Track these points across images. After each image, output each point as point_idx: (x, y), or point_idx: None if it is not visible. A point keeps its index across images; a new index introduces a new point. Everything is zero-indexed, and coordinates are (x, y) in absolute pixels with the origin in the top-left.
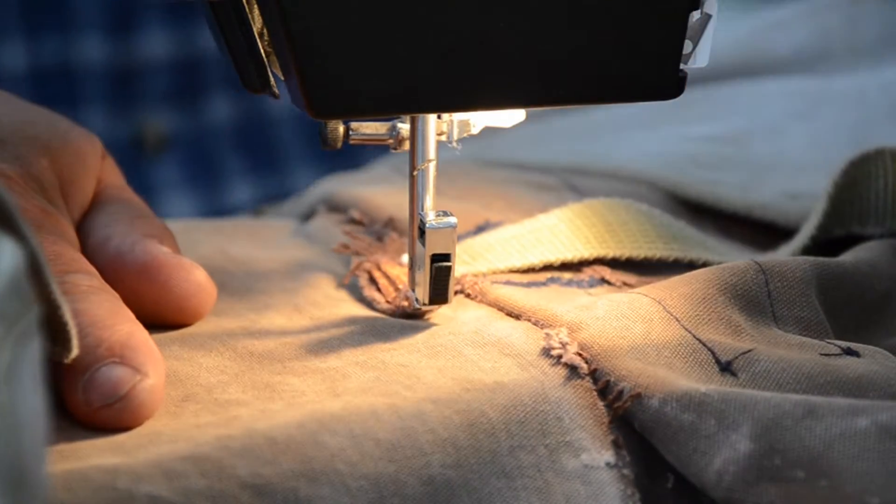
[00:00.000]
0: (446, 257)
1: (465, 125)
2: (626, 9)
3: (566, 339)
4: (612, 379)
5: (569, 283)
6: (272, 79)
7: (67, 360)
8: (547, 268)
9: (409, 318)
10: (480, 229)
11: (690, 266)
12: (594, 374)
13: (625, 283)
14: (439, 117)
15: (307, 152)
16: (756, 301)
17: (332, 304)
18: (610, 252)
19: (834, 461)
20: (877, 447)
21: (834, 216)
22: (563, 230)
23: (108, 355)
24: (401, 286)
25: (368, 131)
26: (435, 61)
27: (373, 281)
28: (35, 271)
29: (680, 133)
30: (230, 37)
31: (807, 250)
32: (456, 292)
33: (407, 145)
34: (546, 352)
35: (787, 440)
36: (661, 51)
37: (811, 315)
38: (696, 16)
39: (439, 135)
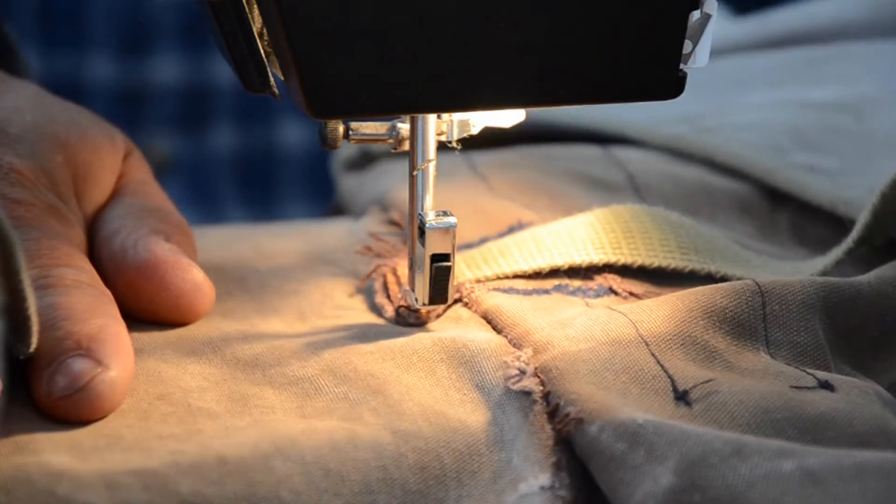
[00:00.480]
0: (446, 257)
1: (464, 125)
2: (627, 9)
3: (526, 364)
4: (562, 402)
5: (575, 291)
6: (272, 79)
7: (23, 356)
8: (556, 273)
9: (411, 326)
10: (511, 230)
11: (708, 278)
12: (547, 397)
13: (631, 294)
14: (439, 117)
15: (303, 191)
16: (747, 324)
17: (337, 312)
18: (622, 259)
19: (753, 502)
20: (798, 492)
21: (876, 226)
22: (580, 235)
23: (75, 348)
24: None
25: (368, 131)
26: (435, 61)
27: (385, 286)
28: (7, 265)
29: (800, 96)
30: (230, 37)
31: (842, 262)
32: (455, 301)
33: (407, 145)
34: (507, 377)
35: (710, 477)
36: (661, 51)
37: (808, 340)
38: (695, 16)
39: (439, 135)
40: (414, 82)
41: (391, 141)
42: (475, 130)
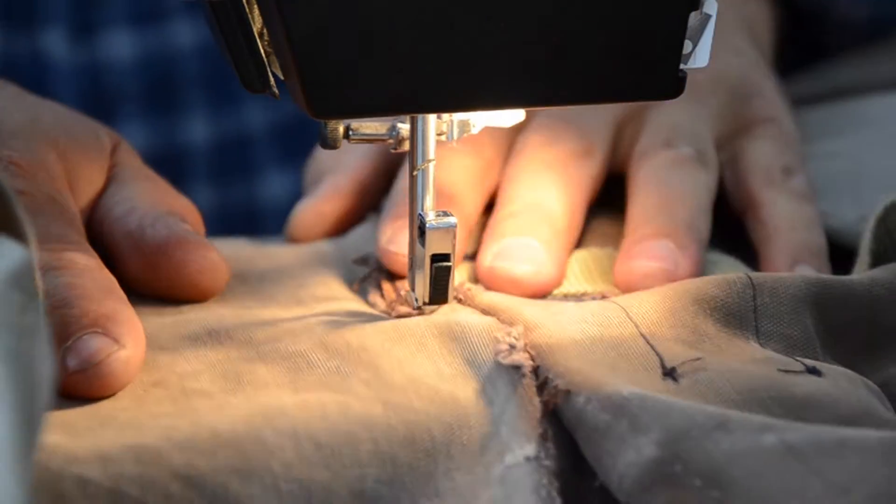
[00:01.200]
0: (446, 257)
1: (465, 125)
2: (627, 9)
3: (516, 339)
4: (551, 375)
5: (565, 297)
6: (272, 79)
7: None
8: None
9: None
10: None
11: None
12: (536, 371)
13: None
14: (439, 117)
15: None
16: (737, 315)
17: (335, 298)
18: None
19: (734, 475)
20: (778, 465)
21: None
22: (573, 269)
23: (92, 325)
24: (403, 292)
25: (368, 131)
26: (435, 61)
27: (379, 286)
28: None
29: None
30: (230, 37)
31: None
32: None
33: (407, 145)
34: (497, 352)
35: (692, 450)
36: (661, 51)
37: (798, 333)
38: (695, 16)
39: (439, 135)
40: (414, 82)
41: (391, 141)
42: (475, 130)
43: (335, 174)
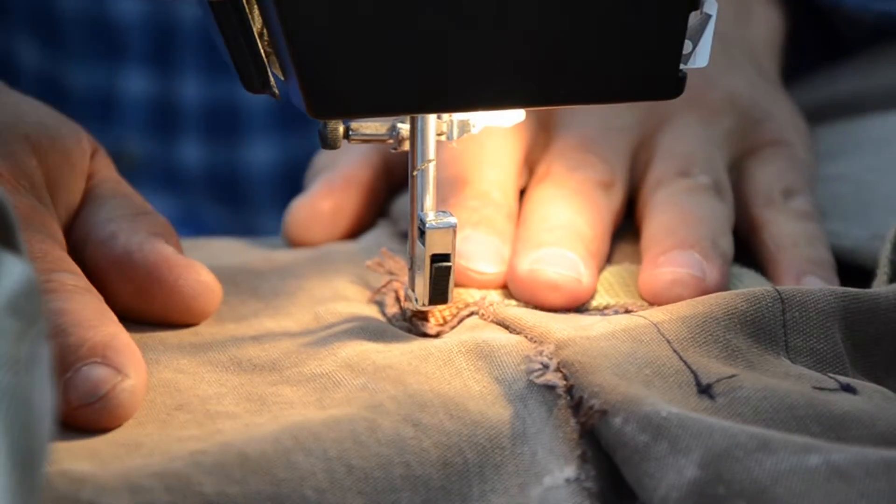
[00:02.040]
0: (446, 257)
1: (465, 125)
2: (627, 9)
3: (549, 358)
4: (586, 395)
5: (591, 312)
6: (272, 79)
7: None
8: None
9: (423, 336)
10: None
11: None
12: (571, 391)
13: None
14: (439, 117)
15: (278, 204)
16: (767, 329)
17: (352, 314)
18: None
19: (778, 496)
20: (824, 486)
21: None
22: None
23: (91, 355)
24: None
25: (368, 131)
26: (435, 61)
27: (398, 300)
28: None
29: None
30: (230, 37)
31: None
32: (471, 313)
33: (407, 145)
34: (530, 371)
35: (734, 471)
36: (661, 51)
37: (827, 348)
38: (695, 16)
39: (439, 135)
40: (414, 82)
41: (391, 141)
42: (475, 130)
43: (328, 172)
